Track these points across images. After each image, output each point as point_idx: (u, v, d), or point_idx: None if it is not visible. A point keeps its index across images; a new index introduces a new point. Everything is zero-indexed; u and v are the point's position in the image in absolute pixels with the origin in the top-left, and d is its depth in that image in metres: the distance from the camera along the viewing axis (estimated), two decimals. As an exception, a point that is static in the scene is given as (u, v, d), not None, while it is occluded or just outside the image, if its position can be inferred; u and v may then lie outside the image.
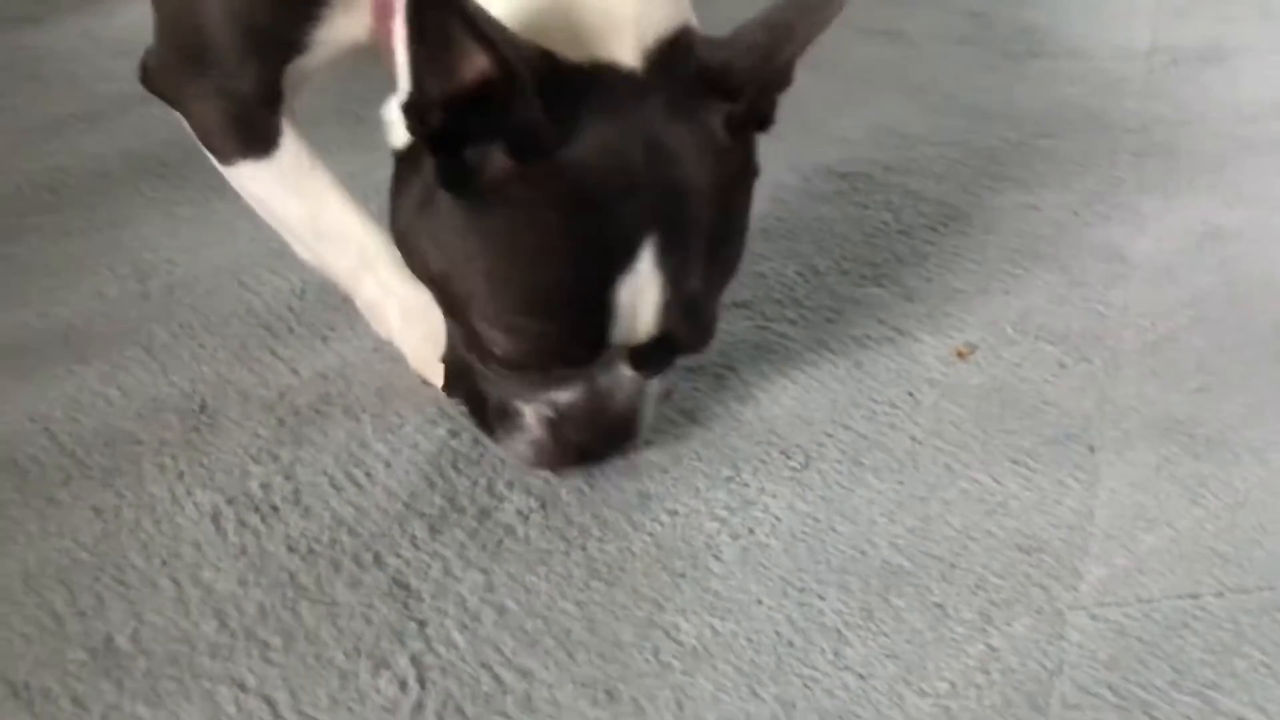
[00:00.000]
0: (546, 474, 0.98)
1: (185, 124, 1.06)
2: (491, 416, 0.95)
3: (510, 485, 0.97)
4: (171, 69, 1.04)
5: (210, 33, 0.99)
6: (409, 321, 1.06)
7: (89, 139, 1.53)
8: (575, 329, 0.87)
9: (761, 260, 1.24)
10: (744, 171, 0.92)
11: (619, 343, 0.89)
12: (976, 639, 0.84)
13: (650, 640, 0.84)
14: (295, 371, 1.10)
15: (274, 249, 1.29)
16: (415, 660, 0.83)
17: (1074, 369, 1.09)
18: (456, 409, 1.04)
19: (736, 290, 1.20)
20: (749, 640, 0.84)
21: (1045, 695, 0.80)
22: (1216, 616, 0.85)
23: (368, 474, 0.99)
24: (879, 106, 1.58)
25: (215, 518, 0.95)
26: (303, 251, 1.09)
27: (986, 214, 1.33)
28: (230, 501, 0.96)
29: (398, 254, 1.01)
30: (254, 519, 0.95)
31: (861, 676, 0.81)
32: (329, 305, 1.19)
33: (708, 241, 0.88)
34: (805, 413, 1.04)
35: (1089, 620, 0.85)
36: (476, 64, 0.80)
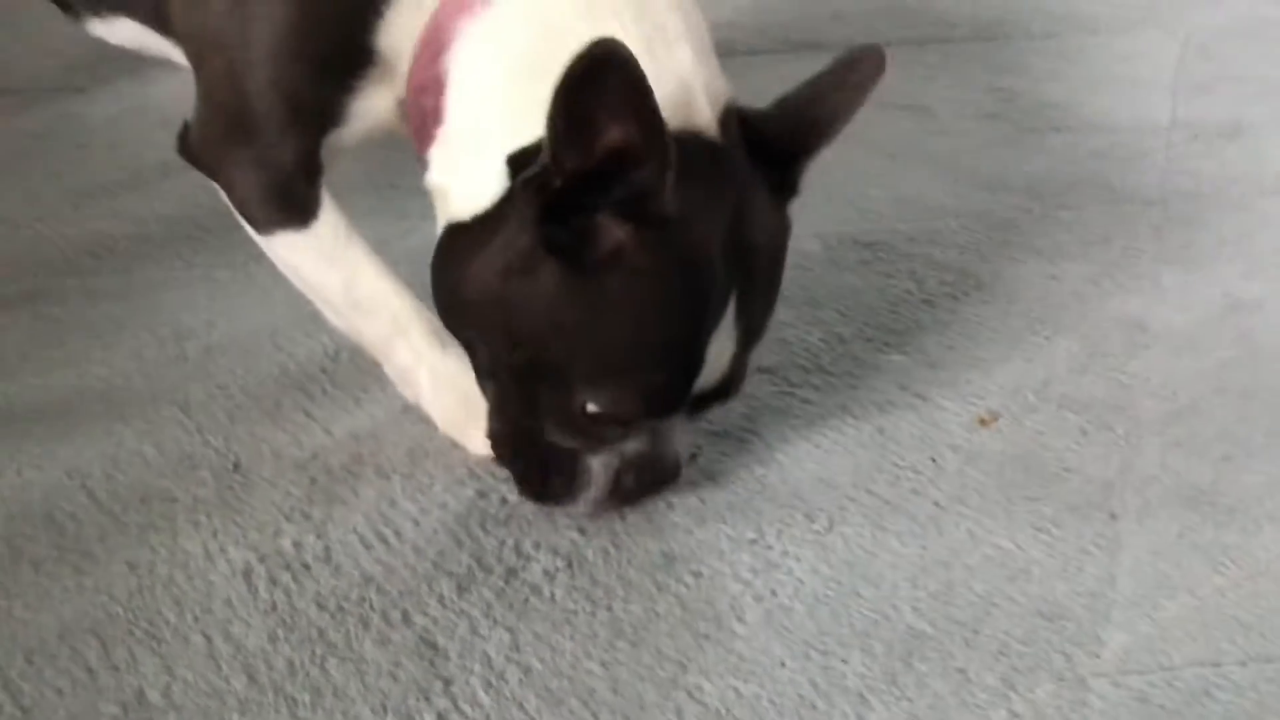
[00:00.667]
0: (574, 535, 1.00)
1: (222, 194, 1.08)
2: (553, 476, 0.97)
3: (537, 545, 0.99)
4: (212, 139, 1.06)
5: (252, 103, 1.01)
6: (440, 387, 1.07)
7: (130, 204, 1.57)
8: (674, 383, 0.92)
9: (786, 327, 1.26)
10: (788, 232, 0.99)
11: (694, 393, 0.94)
12: (999, 705, 0.84)
13: (673, 701, 0.85)
14: (328, 432, 1.12)
15: (308, 313, 1.32)
16: (441, 718, 0.84)
17: (1096, 437, 1.10)
18: (487, 471, 1.05)
19: (761, 355, 1.22)
20: (772, 703, 0.84)
21: (1068, 761, 0.80)
22: (1239, 685, 0.85)
23: (397, 533, 1.00)
24: (903, 178, 1.60)
25: (247, 574, 0.96)
26: (334, 319, 1.10)
27: (1008, 284, 1.35)
28: (262, 559, 0.98)
29: (429, 321, 1.05)
30: (285, 576, 0.96)
31: (884, 740, 0.82)
32: (361, 368, 1.22)
33: (766, 294, 0.96)
34: (829, 476, 1.06)
35: (1111, 687, 0.85)
36: (624, 131, 0.83)
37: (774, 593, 0.94)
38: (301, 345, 1.26)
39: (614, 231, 0.88)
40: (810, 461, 1.08)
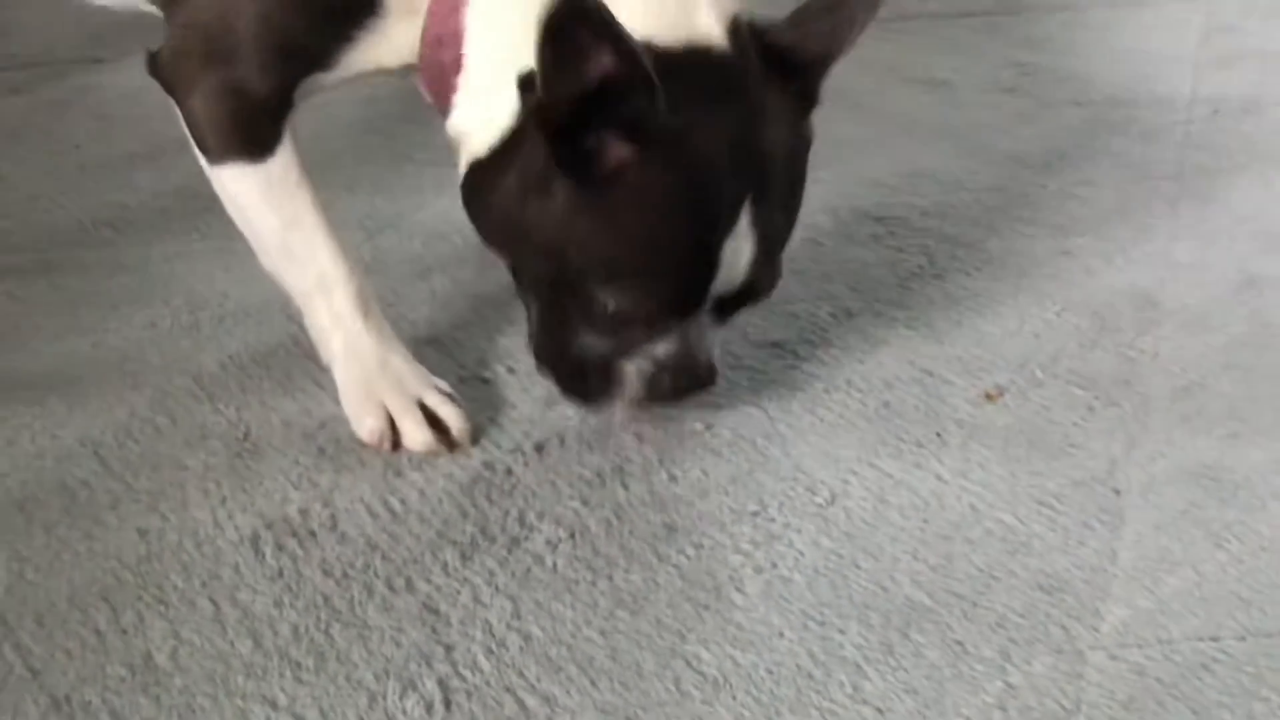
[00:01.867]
0: (576, 506, 1.00)
1: (179, 116, 1.07)
2: (590, 380, 1.01)
3: (540, 516, 1.00)
4: (187, 57, 1.04)
5: (240, 30, 1.01)
6: (349, 358, 1.08)
7: (148, 177, 1.58)
8: (687, 285, 0.98)
9: (795, 301, 1.26)
10: (808, 141, 1.03)
11: (715, 294, 0.98)
12: (995, 677, 0.84)
13: (672, 670, 0.86)
14: (337, 402, 1.13)
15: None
16: (442, 683, 0.85)
17: (1102, 413, 1.10)
18: (476, 445, 1.06)
19: (769, 329, 1.22)
20: (769, 672, 0.85)
21: (1062, 734, 0.80)
22: (1237, 659, 0.85)
23: (402, 502, 1.01)
24: (917, 152, 1.60)
25: (254, 542, 0.98)
26: (263, 259, 1.10)
27: (1020, 259, 1.34)
28: (269, 526, 0.99)
29: (357, 288, 1.07)
30: (292, 543, 0.97)
31: (880, 711, 0.82)
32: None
33: (785, 201, 1.01)
34: (832, 450, 1.06)
35: (1109, 660, 0.85)
36: (603, 64, 0.89)
37: (774, 564, 0.94)
38: (313, 316, 1.27)
39: (617, 149, 0.93)
40: (814, 434, 1.08)
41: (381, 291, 1.32)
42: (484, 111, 0.99)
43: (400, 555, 0.96)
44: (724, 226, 0.96)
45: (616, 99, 0.91)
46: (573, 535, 0.98)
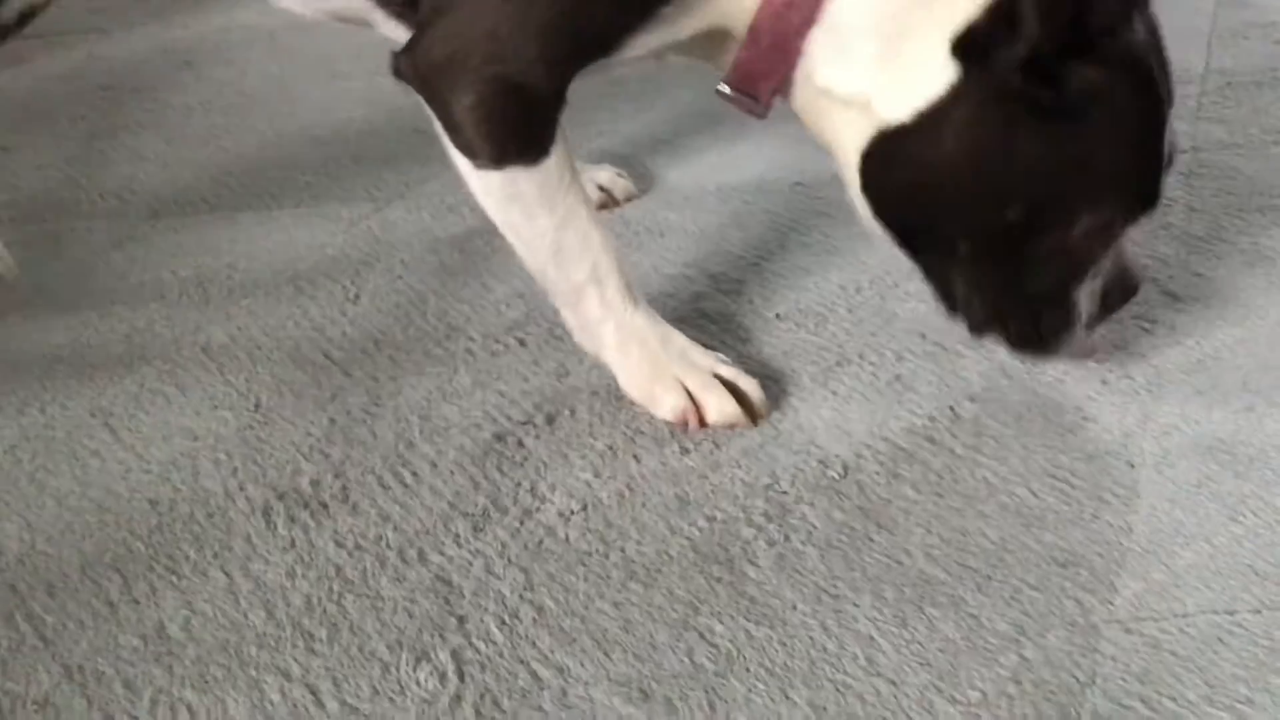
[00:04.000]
0: (588, 478, 1.00)
1: (436, 123, 1.00)
2: (1044, 321, 1.04)
3: (552, 488, 0.99)
4: (458, 60, 0.97)
5: (530, 26, 0.96)
6: (626, 343, 1.06)
7: (154, 146, 1.57)
8: (1149, 189, 1.04)
9: (805, 274, 1.26)
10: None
11: None
12: (1010, 649, 0.84)
13: (685, 642, 0.85)
14: (347, 373, 1.13)
15: (329, 255, 1.33)
16: (455, 654, 0.85)
17: (1116, 385, 1.09)
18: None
19: (780, 302, 1.22)
20: (782, 644, 0.85)
21: (1077, 707, 0.80)
22: (1252, 633, 0.84)
23: (414, 473, 1.01)
24: (929, 125, 1.59)
25: (266, 512, 0.97)
26: (529, 260, 1.05)
27: (1033, 232, 1.33)
28: (281, 497, 0.99)
29: (624, 275, 1.05)
30: (303, 514, 0.97)
31: (893, 683, 0.82)
32: (380, 310, 1.23)
33: (1171, 101, 1.05)
34: (845, 424, 1.06)
35: (1123, 634, 0.85)
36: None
37: (787, 538, 0.94)
38: (322, 287, 1.27)
39: (1088, 74, 0.96)
40: (827, 408, 1.08)
41: (390, 264, 1.32)
42: (892, 79, 0.97)
43: (412, 527, 0.96)
44: (1167, 127, 1.02)
45: (1096, 29, 0.94)
46: (585, 507, 0.97)
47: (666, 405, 1.04)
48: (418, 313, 1.21)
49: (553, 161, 1.00)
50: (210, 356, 1.17)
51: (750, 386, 1.06)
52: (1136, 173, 1.02)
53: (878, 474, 1.00)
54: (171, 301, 1.25)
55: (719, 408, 1.04)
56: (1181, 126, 1.57)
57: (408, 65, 1.00)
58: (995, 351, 1.15)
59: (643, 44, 0.99)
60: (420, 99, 1.01)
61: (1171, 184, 1.43)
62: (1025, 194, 0.99)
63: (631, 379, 1.06)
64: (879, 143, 0.99)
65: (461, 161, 1.01)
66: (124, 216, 1.43)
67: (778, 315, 1.20)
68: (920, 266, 1.05)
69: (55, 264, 1.33)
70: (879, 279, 1.25)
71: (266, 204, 1.42)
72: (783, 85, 1.02)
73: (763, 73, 1.01)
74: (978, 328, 1.05)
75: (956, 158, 0.98)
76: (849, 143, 1.00)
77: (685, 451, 1.03)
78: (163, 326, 1.21)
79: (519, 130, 0.99)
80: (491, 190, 1.02)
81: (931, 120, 0.97)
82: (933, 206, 1.01)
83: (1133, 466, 1.00)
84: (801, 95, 1.02)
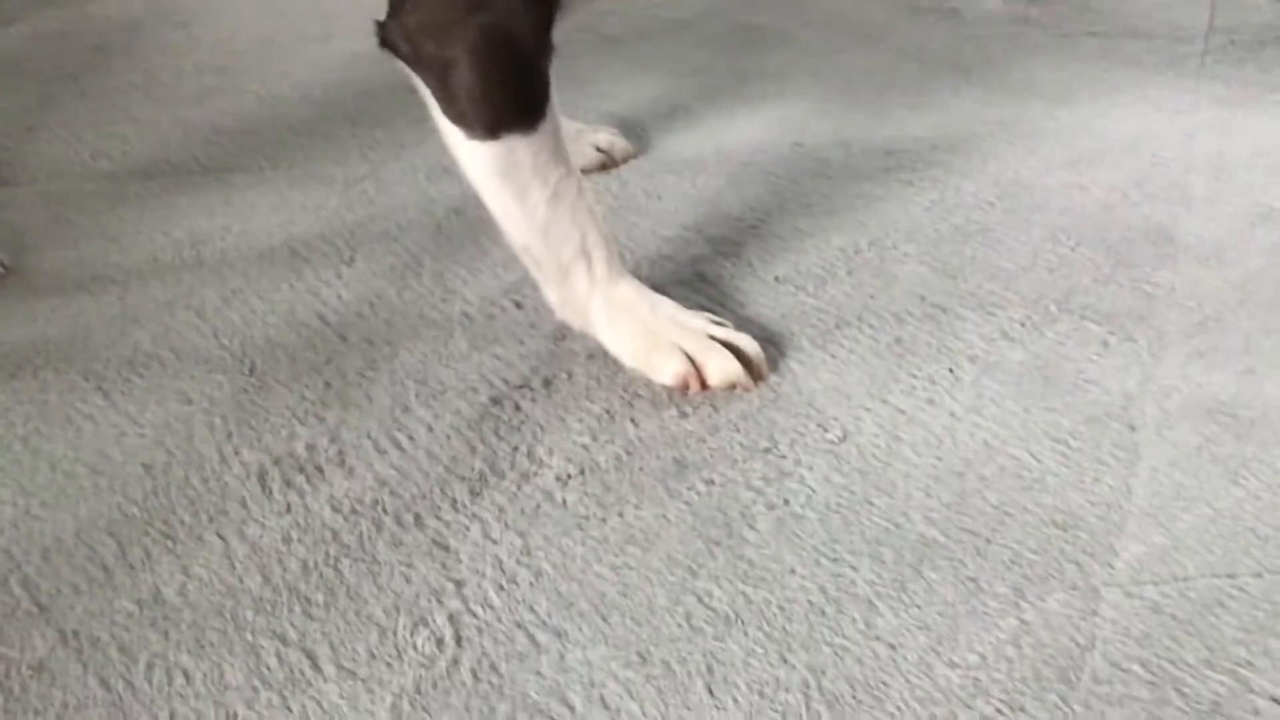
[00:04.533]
0: (586, 441, 1.00)
1: (430, 97, 0.98)
2: None
3: (550, 452, 0.99)
4: (442, 7, 0.95)
5: None
6: (615, 315, 1.05)
7: (147, 108, 1.56)
8: None
9: (804, 236, 1.25)
10: None
11: None
12: (1009, 613, 0.84)
13: (683, 605, 0.85)
14: (343, 337, 1.12)
15: (324, 217, 1.31)
16: (453, 619, 0.84)
17: (1117, 348, 1.09)
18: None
19: (778, 265, 1.21)
20: (781, 608, 0.85)
21: (1076, 670, 0.80)
22: (1253, 596, 0.84)
23: (410, 438, 1.00)
24: (929, 84, 1.57)
25: (262, 477, 0.97)
26: (515, 233, 1.03)
27: (1033, 193, 1.32)
28: (276, 461, 0.98)
29: (611, 249, 1.03)
30: (299, 479, 0.97)
31: (892, 646, 0.82)
32: (375, 273, 1.21)
33: None
34: (844, 387, 1.05)
35: (1123, 597, 0.85)
36: None
37: (786, 501, 0.93)
38: (317, 250, 1.26)
39: None
40: (825, 371, 1.07)
41: (386, 226, 1.31)
42: None
43: (409, 491, 0.95)
44: None
45: None
46: (582, 471, 0.97)
47: (667, 371, 1.04)
48: (413, 276, 1.20)
49: (547, 129, 0.99)
50: (204, 319, 1.16)
51: (748, 344, 1.05)
52: None
53: (877, 436, 0.99)
54: (165, 264, 1.24)
55: (720, 368, 1.03)
56: (1185, 84, 1.56)
57: (396, 28, 0.98)
58: (995, 313, 1.14)
59: None
60: (409, 71, 0.99)
61: (1173, 142, 1.43)
62: None
63: (627, 350, 1.06)
64: None
65: (453, 134, 0.99)
66: (116, 178, 1.41)
67: (776, 278, 1.19)
68: None
69: (46, 226, 1.32)
70: (878, 241, 1.24)
71: (260, 166, 1.40)
72: None
73: None
74: None
75: None
76: None
77: (683, 415, 1.02)
78: (156, 289, 1.20)
79: (514, 88, 0.97)
80: (485, 163, 1.00)
81: None
82: None
83: (1133, 429, 1.00)
84: None
